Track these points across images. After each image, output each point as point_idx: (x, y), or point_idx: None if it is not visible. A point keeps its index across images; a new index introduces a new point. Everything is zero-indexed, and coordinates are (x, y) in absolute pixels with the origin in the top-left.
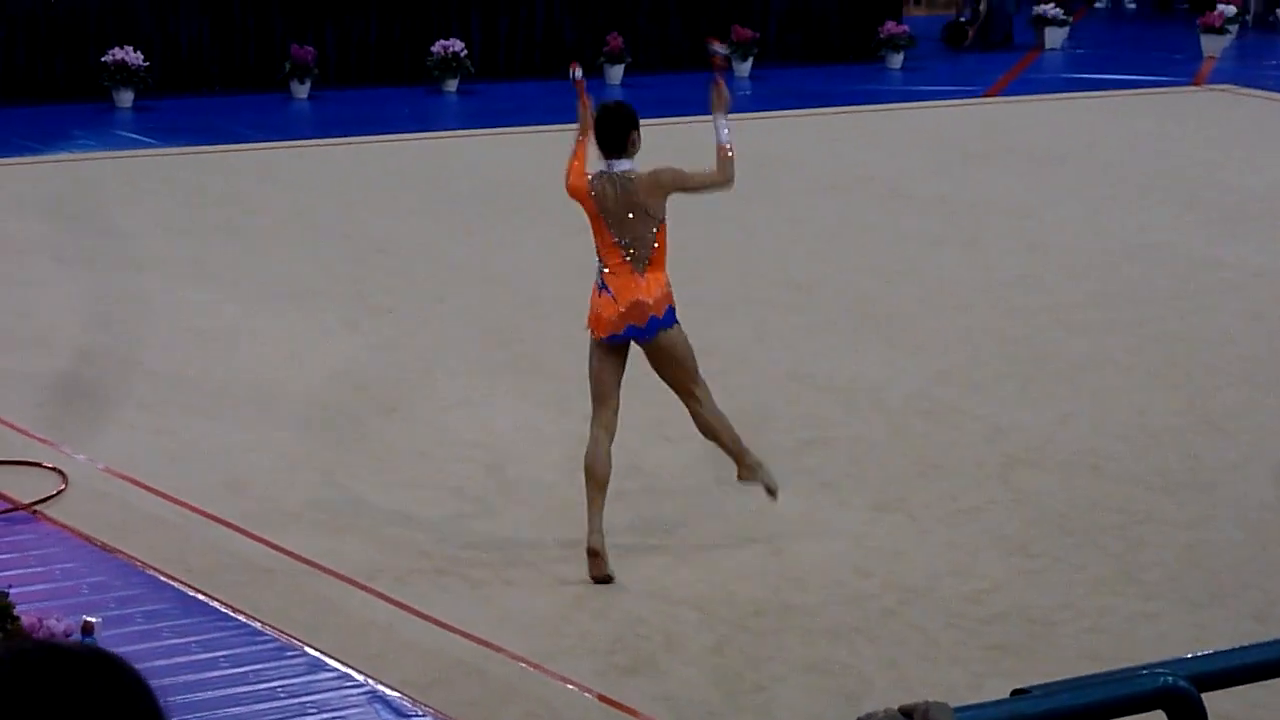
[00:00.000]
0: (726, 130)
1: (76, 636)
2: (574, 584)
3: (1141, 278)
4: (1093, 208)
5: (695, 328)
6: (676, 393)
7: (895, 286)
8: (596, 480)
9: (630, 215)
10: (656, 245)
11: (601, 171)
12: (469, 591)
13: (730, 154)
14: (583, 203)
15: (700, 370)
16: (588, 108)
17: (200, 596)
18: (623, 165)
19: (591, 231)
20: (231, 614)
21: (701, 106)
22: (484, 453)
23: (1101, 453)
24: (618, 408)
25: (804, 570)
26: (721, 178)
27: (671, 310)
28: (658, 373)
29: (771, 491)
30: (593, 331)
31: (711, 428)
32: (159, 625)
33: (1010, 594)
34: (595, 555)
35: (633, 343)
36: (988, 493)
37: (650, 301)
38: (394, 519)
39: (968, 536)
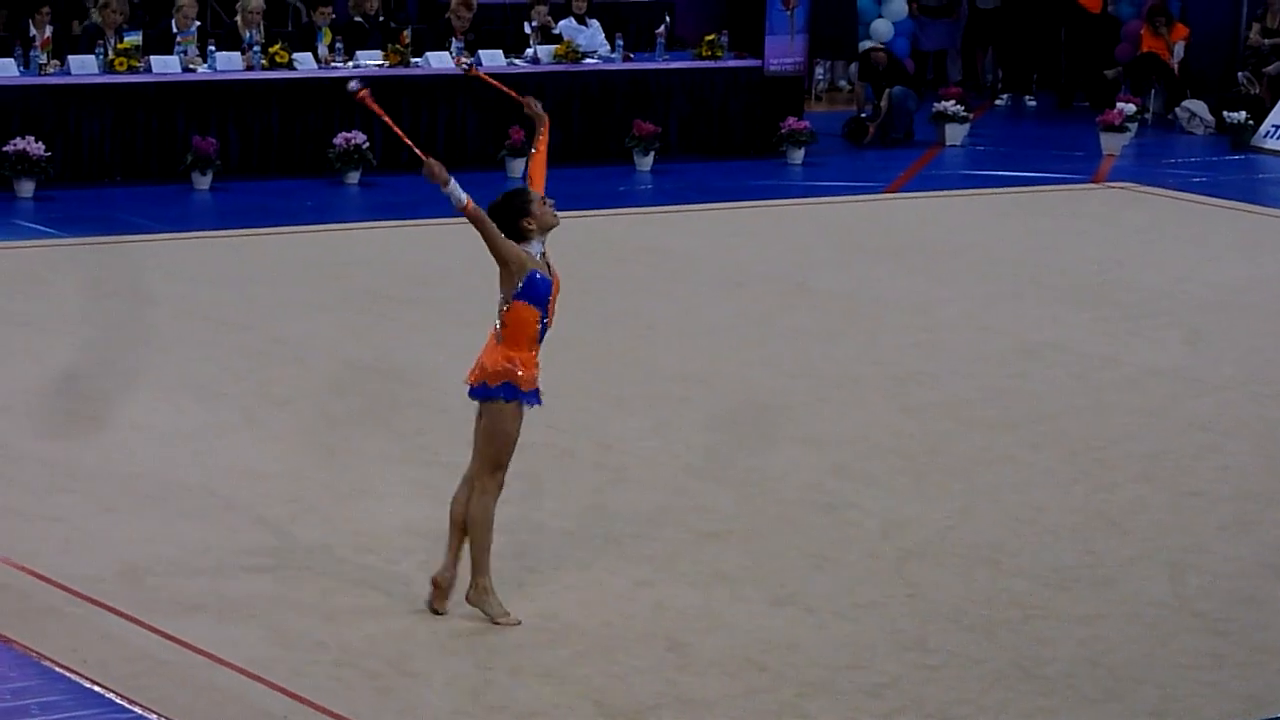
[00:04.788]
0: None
1: None
2: (472, 676)
3: (1038, 374)
4: (990, 304)
5: (593, 422)
6: (475, 466)
7: (792, 381)
8: (451, 520)
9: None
10: (505, 324)
11: None
12: (366, 683)
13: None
14: None
15: (504, 470)
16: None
17: (96, 688)
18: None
19: None
20: (127, 705)
21: (601, 200)
22: (383, 545)
23: (998, 548)
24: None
25: (701, 664)
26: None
27: (508, 387)
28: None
29: (494, 620)
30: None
31: (474, 520)
32: (54, 717)
33: (908, 688)
34: (436, 588)
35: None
36: (884, 586)
37: (489, 368)
38: (292, 610)
39: (865, 630)
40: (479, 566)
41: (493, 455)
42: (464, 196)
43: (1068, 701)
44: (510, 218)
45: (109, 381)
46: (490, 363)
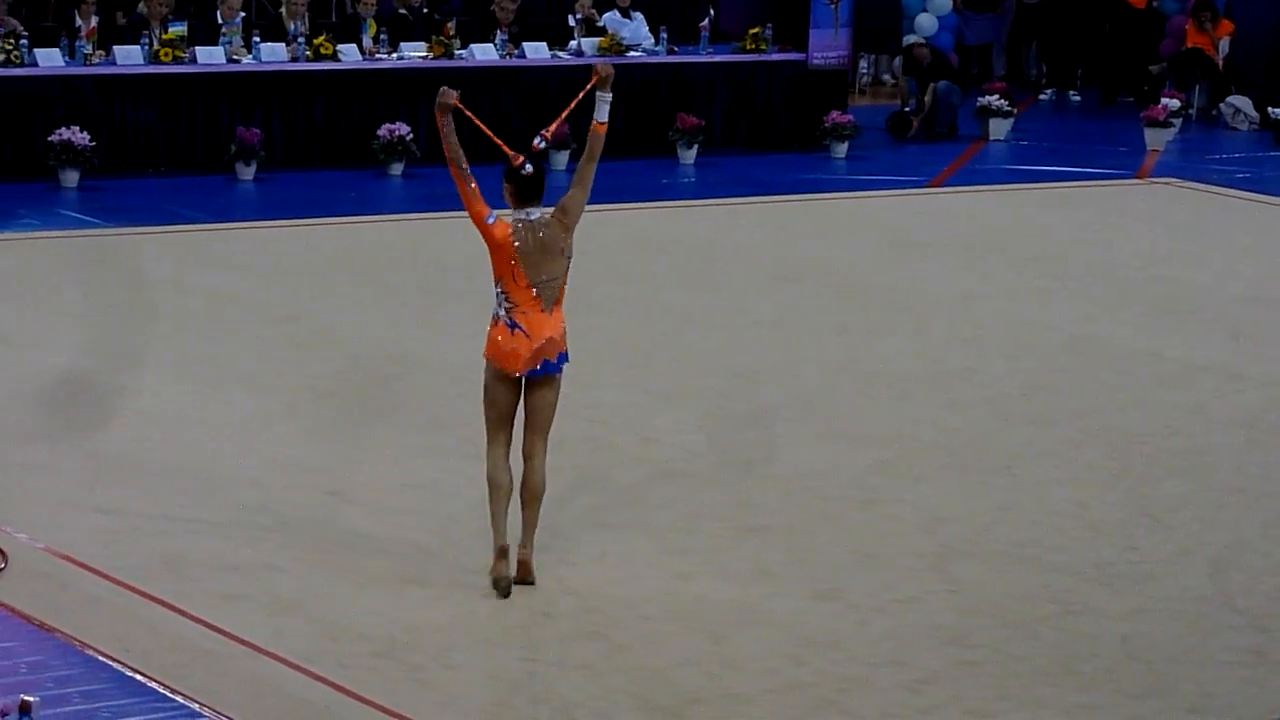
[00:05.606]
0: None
1: (14, 716)
2: (514, 669)
3: (1082, 370)
4: (1034, 299)
5: (636, 416)
6: (533, 434)
7: (835, 376)
8: (503, 490)
9: (547, 259)
10: (564, 283)
11: (520, 220)
12: (408, 675)
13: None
14: (499, 249)
15: None
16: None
17: (138, 677)
18: (536, 212)
19: (496, 271)
20: (170, 695)
21: (644, 193)
22: (426, 536)
23: (1039, 544)
24: (512, 431)
25: (742, 658)
26: (592, 167)
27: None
28: (532, 410)
29: (529, 581)
30: (501, 366)
31: (538, 490)
32: (97, 706)
33: (948, 685)
34: (503, 555)
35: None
36: (925, 583)
37: (558, 338)
38: (334, 601)
39: (905, 626)
40: (532, 533)
41: (552, 420)
42: (604, 116)
43: (1108, 697)
44: (543, 178)
45: (152, 372)
46: (558, 333)
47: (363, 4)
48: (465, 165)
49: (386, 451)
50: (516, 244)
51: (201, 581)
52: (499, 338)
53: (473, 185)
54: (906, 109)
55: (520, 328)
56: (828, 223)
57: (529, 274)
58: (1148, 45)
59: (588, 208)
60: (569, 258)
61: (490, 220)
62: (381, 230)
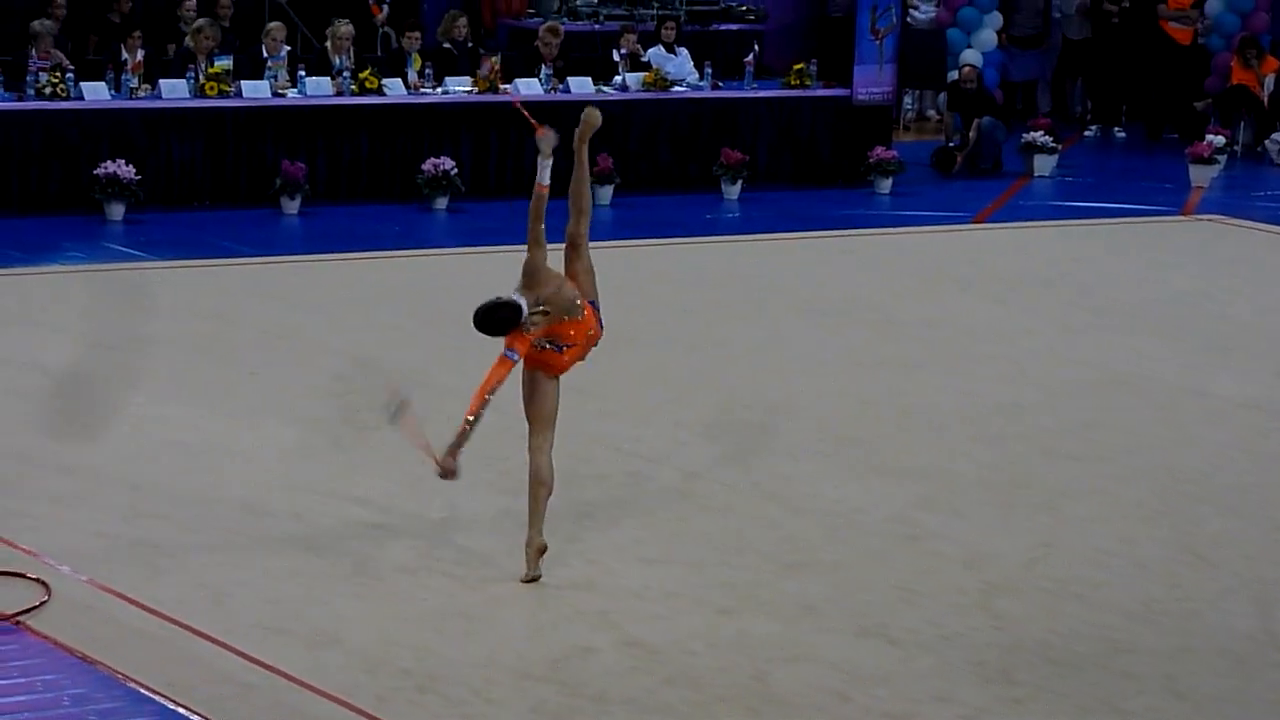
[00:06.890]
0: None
1: None
2: (555, 704)
3: (1125, 407)
4: (1077, 335)
5: (677, 449)
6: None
7: (876, 411)
8: (548, 489)
9: (563, 310)
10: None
11: (529, 325)
12: (449, 710)
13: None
14: (530, 355)
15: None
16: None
17: (181, 710)
18: (522, 301)
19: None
20: None
21: (688, 228)
22: (468, 571)
23: (1084, 581)
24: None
25: (785, 694)
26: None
27: None
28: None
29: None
30: (562, 371)
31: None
32: None
33: None
34: (541, 554)
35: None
36: (969, 619)
37: (595, 319)
38: (377, 635)
39: (950, 663)
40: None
41: None
42: (546, 179)
43: None
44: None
45: (193, 403)
46: (593, 316)
47: (408, 38)
48: (476, 413)
49: (427, 485)
50: (543, 336)
51: (243, 614)
52: (551, 361)
53: (490, 391)
54: (951, 145)
55: (569, 345)
56: (871, 258)
57: (558, 325)
58: (1193, 82)
59: (631, 243)
60: (573, 289)
61: (515, 357)
62: (425, 264)
